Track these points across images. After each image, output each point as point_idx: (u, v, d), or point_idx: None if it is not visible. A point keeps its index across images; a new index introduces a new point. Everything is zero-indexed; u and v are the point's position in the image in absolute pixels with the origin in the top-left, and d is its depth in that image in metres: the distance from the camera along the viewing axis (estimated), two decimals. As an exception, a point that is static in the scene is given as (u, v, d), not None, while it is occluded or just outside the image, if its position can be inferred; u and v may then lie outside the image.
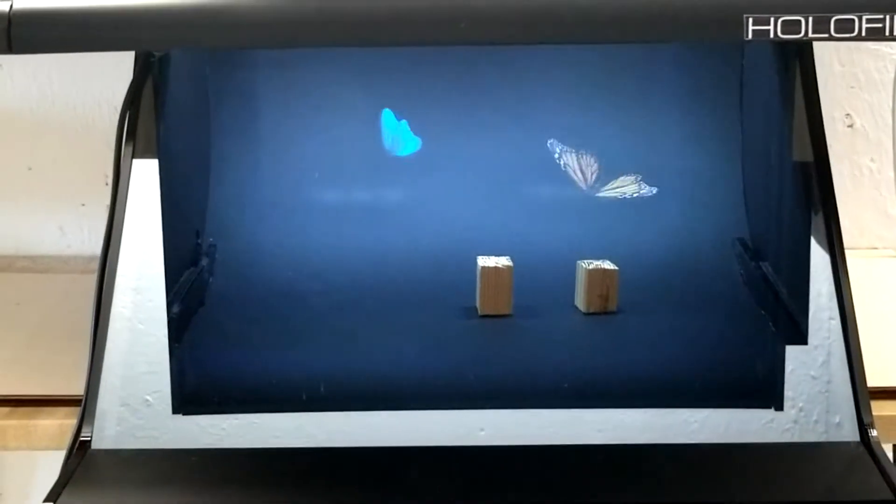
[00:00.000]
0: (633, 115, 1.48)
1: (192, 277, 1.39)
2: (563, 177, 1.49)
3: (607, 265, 1.39)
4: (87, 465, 1.14)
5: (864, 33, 0.97)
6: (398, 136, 1.45)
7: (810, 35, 0.97)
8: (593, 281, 1.38)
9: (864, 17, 0.96)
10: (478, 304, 1.39)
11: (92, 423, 1.17)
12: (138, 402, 1.21)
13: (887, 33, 0.96)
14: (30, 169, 1.66)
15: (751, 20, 0.97)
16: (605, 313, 1.39)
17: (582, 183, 1.43)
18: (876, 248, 1.64)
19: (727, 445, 1.17)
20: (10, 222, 1.66)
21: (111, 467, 1.15)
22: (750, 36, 0.97)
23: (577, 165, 1.44)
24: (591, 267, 1.38)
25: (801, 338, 1.23)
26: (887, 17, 0.96)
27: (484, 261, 1.39)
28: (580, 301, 1.39)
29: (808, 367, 1.22)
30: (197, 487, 1.14)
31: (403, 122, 1.46)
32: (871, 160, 1.62)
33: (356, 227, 1.48)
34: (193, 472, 1.15)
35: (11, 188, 1.66)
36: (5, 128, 1.64)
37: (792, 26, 0.97)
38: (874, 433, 1.14)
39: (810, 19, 0.97)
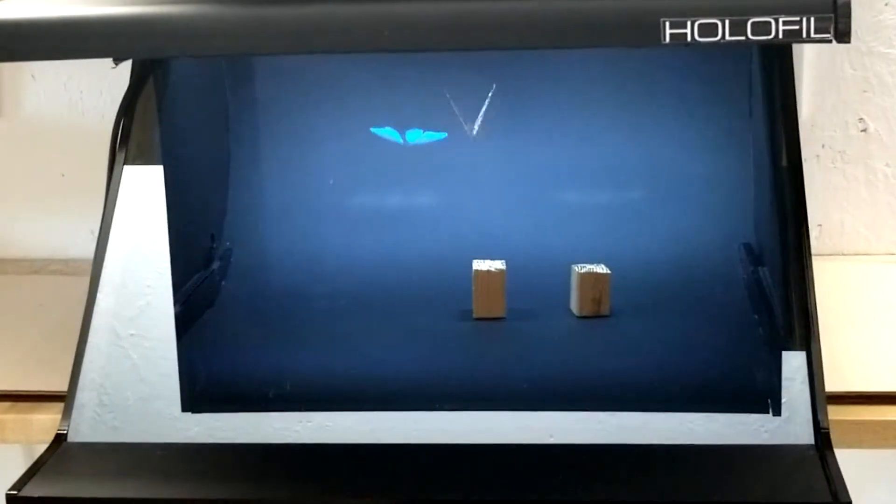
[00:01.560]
0: (634, 120, 1.49)
1: (202, 280, 1.43)
2: (562, 179, 1.50)
3: (600, 269, 1.40)
4: (59, 457, 1.17)
5: (780, 35, 0.97)
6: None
7: (727, 38, 0.97)
8: (585, 285, 1.39)
9: (781, 20, 0.96)
10: (472, 307, 1.41)
11: (69, 418, 1.21)
12: (124, 399, 1.25)
13: (804, 35, 0.96)
14: (62, 175, 1.72)
15: (668, 24, 0.97)
16: (598, 317, 1.40)
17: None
18: (892, 254, 1.62)
19: (682, 446, 1.17)
20: (44, 227, 1.72)
21: (83, 460, 1.18)
22: (667, 40, 0.97)
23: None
24: (583, 271, 1.39)
25: (795, 343, 1.23)
26: (804, 18, 0.96)
27: (478, 264, 1.41)
28: (573, 304, 1.40)
29: (796, 372, 1.22)
30: (165, 479, 1.17)
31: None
32: (886, 165, 1.60)
33: (358, 232, 1.51)
34: (163, 465, 1.18)
35: (45, 194, 1.72)
36: (40, 136, 1.70)
37: (709, 29, 0.98)
38: (828, 437, 1.14)
39: (727, 22, 0.97)
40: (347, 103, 1.52)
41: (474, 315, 1.41)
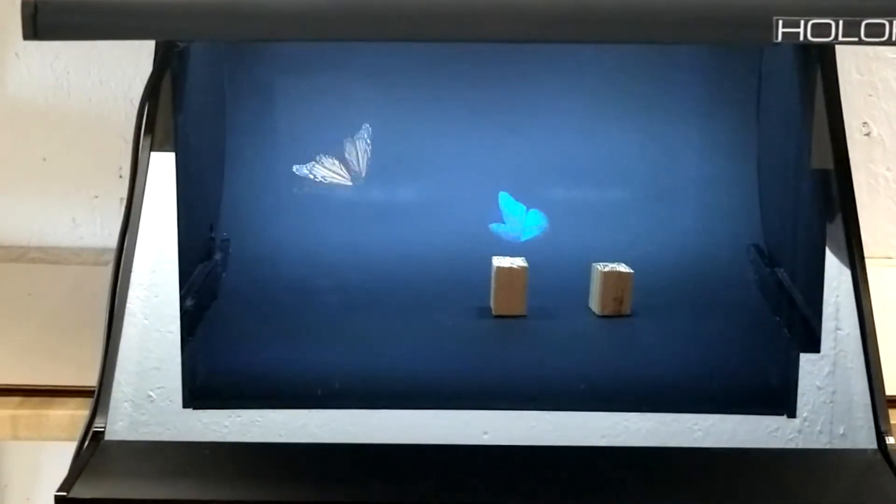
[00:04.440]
0: (649, 119, 1.48)
1: (206, 272, 1.38)
2: (579, 178, 1.49)
3: (622, 268, 1.38)
4: (99, 456, 1.13)
5: (894, 38, 0.96)
6: (518, 220, 1.45)
7: (840, 39, 0.96)
8: (608, 283, 1.38)
9: (895, 22, 0.96)
10: (492, 305, 1.38)
11: (106, 414, 1.16)
12: (150, 394, 1.20)
13: (919, 38, 0.96)
14: (44, 160, 1.65)
15: (780, 22, 0.96)
16: (620, 316, 1.38)
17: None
18: (891, 258, 1.64)
19: (742, 450, 1.17)
20: (24, 213, 1.66)
21: (124, 458, 1.14)
22: (780, 38, 0.96)
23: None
24: (606, 269, 1.38)
25: (814, 345, 1.23)
26: (918, 22, 0.95)
27: (499, 261, 1.39)
28: (594, 303, 1.39)
29: (821, 375, 1.22)
30: (210, 480, 1.13)
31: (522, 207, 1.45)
32: (888, 169, 1.61)
33: (371, 225, 1.48)
34: (207, 465, 1.14)
35: (25, 178, 1.65)
36: (21, 118, 1.63)
37: (822, 29, 0.97)
38: (891, 440, 1.14)
39: (840, 22, 0.96)
40: (351, 90, 1.49)
41: (494, 312, 1.38)
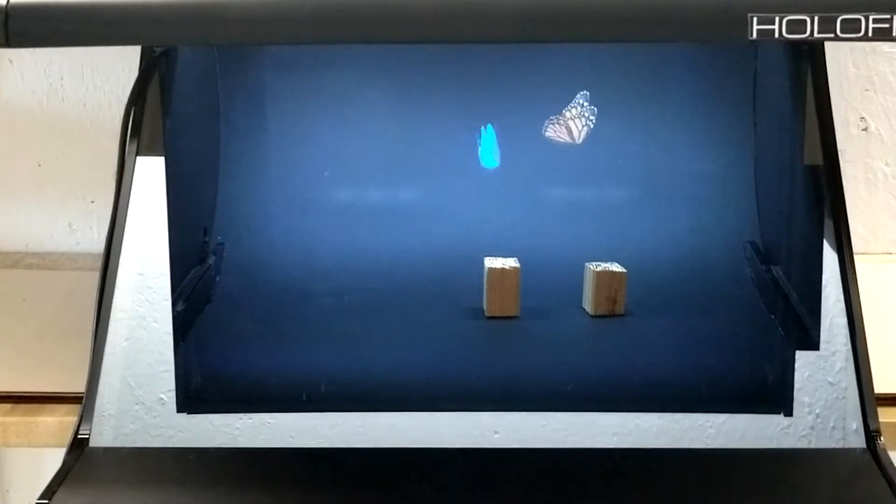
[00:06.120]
0: (642, 116, 1.47)
1: (199, 275, 1.38)
2: (572, 177, 1.48)
3: (616, 267, 1.37)
4: (84, 463, 1.13)
5: (870, 34, 0.95)
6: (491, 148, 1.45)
7: (816, 35, 0.95)
8: (601, 283, 1.37)
9: (871, 17, 0.95)
10: (484, 306, 1.38)
11: (91, 421, 1.16)
12: (140, 400, 1.20)
13: (894, 33, 0.95)
14: (39, 165, 1.65)
15: (755, 19, 0.95)
16: (613, 316, 1.37)
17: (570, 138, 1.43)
18: (890, 254, 1.63)
19: (732, 451, 1.16)
20: (20, 218, 1.66)
21: (108, 465, 1.14)
22: (755, 36, 0.95)
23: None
24: (599, 269, 1.37)
25: (810, 343, 1.22)
26: (894, 17, 0.94)
27: (491, 262, 1.38)
28: (588, 303, 1.38)
29: (817, 373, 1.21)
30: (195, 486, 1.13)
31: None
32: (886, 164, 1.60)
33: (363, 227, 1.47)
34: (192, 471, 1.14)
35: (21, 184, 1.65)
36: (15, 124, 1.64)
37: (797, 26, 0.95)
38: (880, 440, 1.13)
39: (816, 19, 0.95)
40: (345, 91, 1.48)
41: (487, 314, 1.38)
